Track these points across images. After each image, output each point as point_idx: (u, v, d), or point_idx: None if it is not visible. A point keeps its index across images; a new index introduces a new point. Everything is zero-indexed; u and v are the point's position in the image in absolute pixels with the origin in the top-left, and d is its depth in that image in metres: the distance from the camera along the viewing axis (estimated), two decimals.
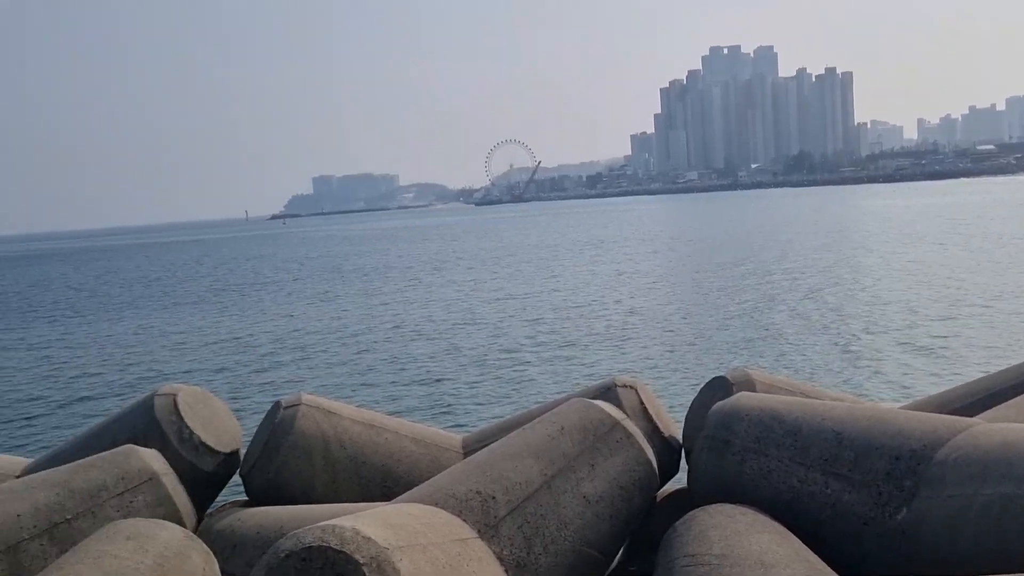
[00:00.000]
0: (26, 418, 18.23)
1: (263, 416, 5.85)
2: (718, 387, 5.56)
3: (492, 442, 5.05)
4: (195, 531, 4.89)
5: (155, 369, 23.46)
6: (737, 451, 4.44)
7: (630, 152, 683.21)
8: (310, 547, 3.23)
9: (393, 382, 21.33)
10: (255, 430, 5.83)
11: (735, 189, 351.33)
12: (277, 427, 5.50)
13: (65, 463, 5.30)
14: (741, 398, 4.77)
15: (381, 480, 5.55)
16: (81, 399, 19.64)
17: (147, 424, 5.63)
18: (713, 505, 4.21)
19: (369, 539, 3.30)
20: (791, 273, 42.15)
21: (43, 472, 5.03)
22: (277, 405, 5.71)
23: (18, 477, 5.84)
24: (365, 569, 3.19)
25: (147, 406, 5.71)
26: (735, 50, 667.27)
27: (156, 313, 37.22)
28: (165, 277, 61.92)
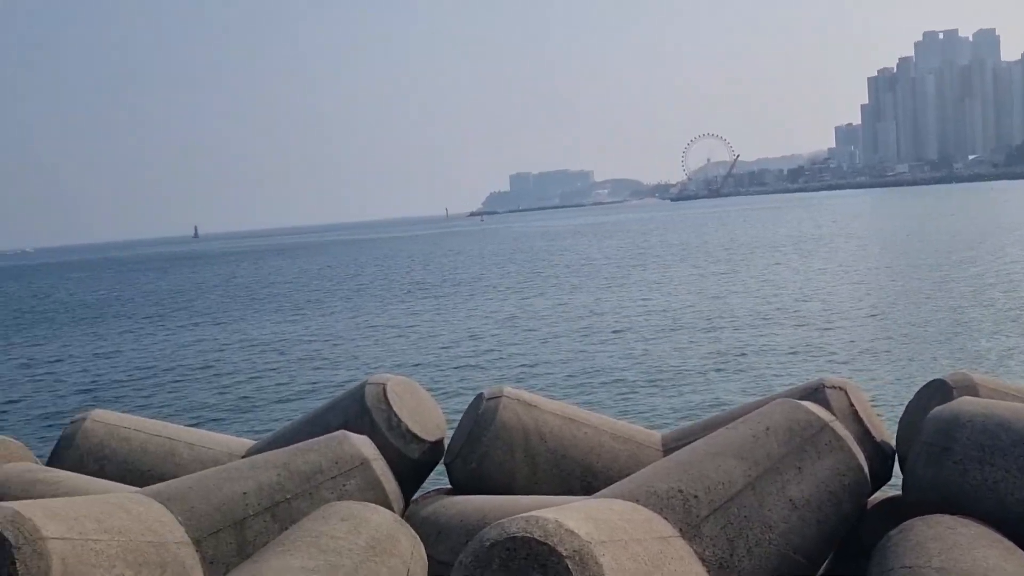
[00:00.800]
0: (251, 404, 19.47)
1: (466, 408, 6.01)
2: (937, 390, 5.24)
3: (693, 440, 4.98)
4: (402, 516, 5.08)
5: (366, 359, 24.51)
6: (958, 459, 4.17)
7: (834, 144, 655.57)
8: (514, 537, 3.29)
9: (591, 378, 21.40)
10: (459, 421, 6.01)
11: (950, 182, 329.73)
12: (480, 418, 5.64)
13: (284, 446, 5.64)
14: (963, 403, 4.48)
15: (581, 474, 5.58)
16: (298, 386, 20.80)
17: (358, 411, 5.90)
18: (932, 515, 3.98)
19: (572, 532, 3.32)
20: None
21: (265, 454, 5.36)
22: (480, 397, 5.85)
23: (243, 457, 6.27)
24: (568, 562, 3.22)
25: (358, 394, 5.99)
26: (952, 34, 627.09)
27: (368, 305, 38.93)
28: (376, 272, 64.60)
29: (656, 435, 6.07)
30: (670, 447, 5.66)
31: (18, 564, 3.74)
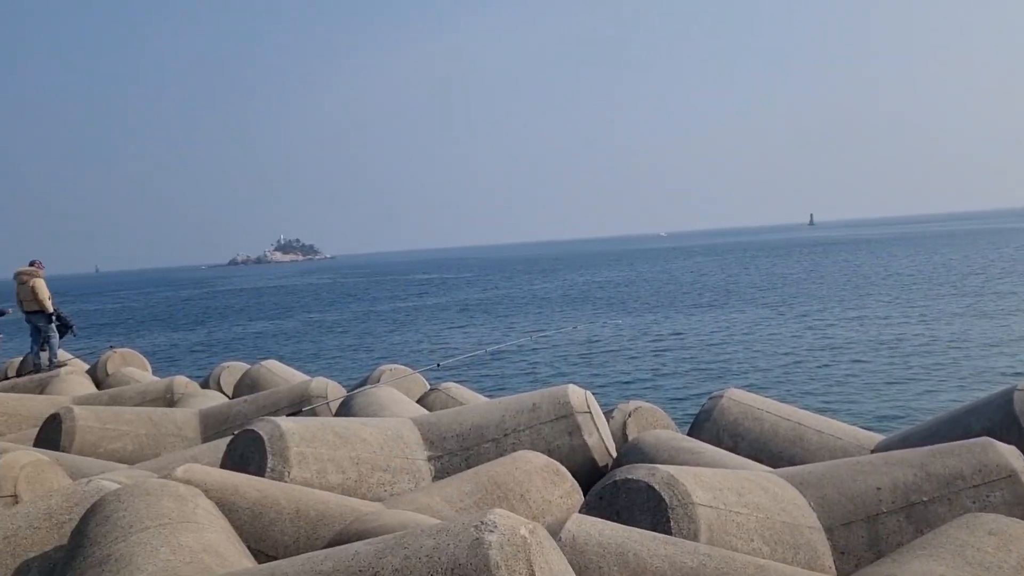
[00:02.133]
0: (873, 396, 18.99)
1: None
2: None
3: None
4: None
5: (1005, 364, 22.36)
6: None
7: None
8: None
9: None
10: None
11: None
12: None
13: (918, 445, 5.42)
14: None
15: None
16: (923, 384, 19.77)
17: (1005, 419, 5.46)
18: None
19: None
20: None
21: (900, 451, 5.21)
22: None
23: (873, 452, 6.17)
24: None
25: (1005, 399, 5.54)
26: None
27: (996, 306, 35.45)
28: (1011, 268, 58.54)
29: None
30: None
31: (671, 523, 4.15)
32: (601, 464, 6.21)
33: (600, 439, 6.32)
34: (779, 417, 6.65)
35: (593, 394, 6.76)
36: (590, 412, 6.39)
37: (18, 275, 16.12)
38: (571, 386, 6.60)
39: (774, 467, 5.81)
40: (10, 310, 17.18)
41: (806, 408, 7.57)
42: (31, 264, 16.25)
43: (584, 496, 5.26)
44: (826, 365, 23.02)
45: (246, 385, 11.22)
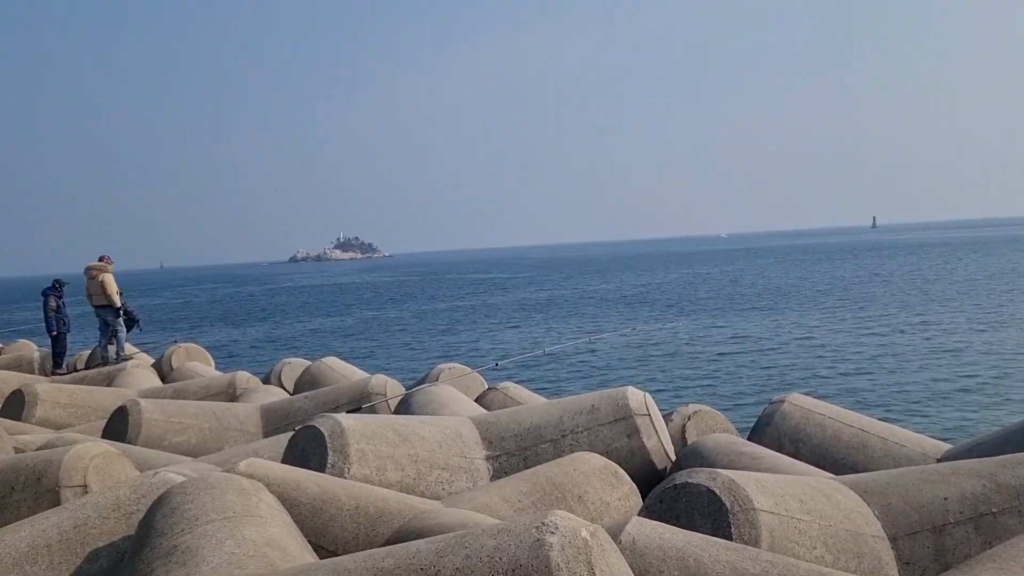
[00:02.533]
0: (940, 403, 18.58)
1: None
2: None
3: None
4: None
5: None
6: None
7: None
8: None
9: None
10: None
11: None
12: None
13: (987, 455, 5.29)
14: None
15: None
16: (994, 394, 19.27)
17: None
18: None
19: None
20: None
21: (968, 461, 5.09)
22: None
23: (939, 460, 6.04)
24: None
25: None
26: None
27: None
28: None
29: None
30: None
31: (732, 528, 4.10)
32: (660, 467, 6.16)
33: (659, 442, 6.27)
34: (842, 423, 6.54)
35: (651, 396, 6.71)
36: (649, 415, 6.34)
37: (88, 270, 16.54)
38: (630, 388, 6.55)
39: (836, 474, 5.72)
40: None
41: (869, 415, 7.43)
42: (100, 259, 16.67)
43: (642, 499, 5.23)
44: (890, 372, 22.57)
45: (306, 381, 11.36)
